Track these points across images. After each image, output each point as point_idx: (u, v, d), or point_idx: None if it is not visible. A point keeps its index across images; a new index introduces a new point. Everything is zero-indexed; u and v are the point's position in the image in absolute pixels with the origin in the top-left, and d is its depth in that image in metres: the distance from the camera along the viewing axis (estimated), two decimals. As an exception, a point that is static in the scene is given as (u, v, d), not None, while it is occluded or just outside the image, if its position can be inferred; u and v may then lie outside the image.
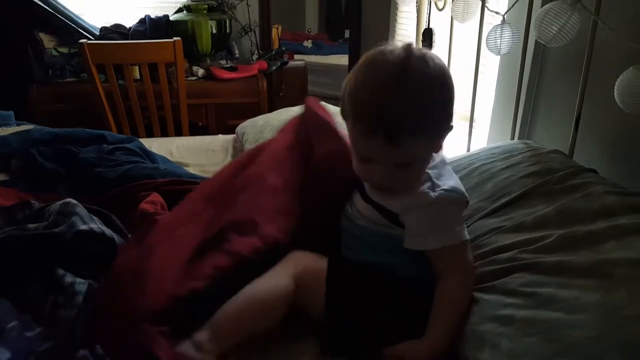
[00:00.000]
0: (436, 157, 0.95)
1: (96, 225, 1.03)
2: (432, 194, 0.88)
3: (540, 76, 1.46)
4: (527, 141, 1.28)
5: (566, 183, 0.99)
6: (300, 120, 1.23)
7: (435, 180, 0.91)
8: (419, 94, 0.81)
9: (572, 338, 0.70)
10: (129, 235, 1.10)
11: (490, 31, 1.41)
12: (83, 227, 1.00)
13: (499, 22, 1.40)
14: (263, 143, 1.26)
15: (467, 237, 0.92)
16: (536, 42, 1.38)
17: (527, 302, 0.79)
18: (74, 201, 1.07)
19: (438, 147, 0.93)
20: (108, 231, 1.05)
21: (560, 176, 1.02)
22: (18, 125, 1.64)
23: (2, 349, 0.73)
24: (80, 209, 1.06)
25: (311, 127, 1.18)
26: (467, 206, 0.97)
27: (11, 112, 1.75)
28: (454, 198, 0.91)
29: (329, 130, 1.13)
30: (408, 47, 0.85)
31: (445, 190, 0.89)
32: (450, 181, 0.92)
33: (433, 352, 0.85)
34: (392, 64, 0.83)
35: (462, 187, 0.93)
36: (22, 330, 0.81)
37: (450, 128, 0.90)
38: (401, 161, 0.85)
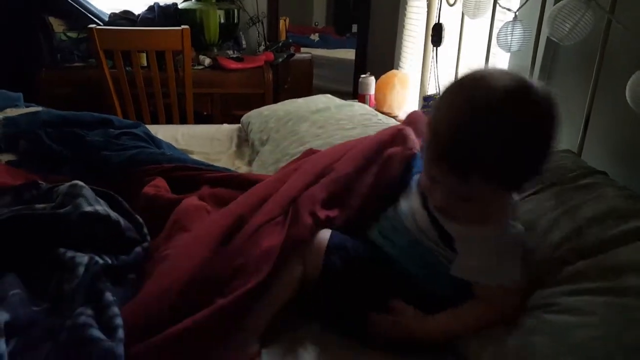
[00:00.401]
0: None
1: (102, 207, 1.03)
2: (510, 230, 0.85)
3: (550, 74, 1.46)
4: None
5: (577, 183, 0.99)
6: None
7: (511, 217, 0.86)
8: (505, 140, 0.71)
9: (577, 338, 0.70)
10: (139, 218, 1.10)
11: (502, 28, 1.40)
12: (88, 208, 0.99)
13: (510, 19, 1.40)
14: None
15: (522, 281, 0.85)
16: (547, 40, 1.37)
17: (532, 310, 0.80)
18: (81, 183, 1.07)
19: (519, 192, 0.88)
20: (113, 214, 1.04)
21: (572, 176, 1.01)
22: (27, 107, 1.65)
23: (2, 311, 0.74)
24: (87, 191, 1.06)
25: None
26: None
27: (20, 94, 1.75)
28: (523, 240, 0.86)
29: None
30: (514, 82, 0.74)
31: (519, 231, 0.86)
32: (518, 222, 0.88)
33: (420, 336, 0.85)
34: (483, 96, 0.72)
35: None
36: (27, 301, 0.81)
37: (540, 174, 0.80)
38: (466, 195, 0.78)
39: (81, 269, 0.81)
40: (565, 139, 1.32)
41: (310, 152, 1.22)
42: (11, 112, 1.55)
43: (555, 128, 0.76)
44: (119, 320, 0.77)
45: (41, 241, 0.96)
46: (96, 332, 0.74)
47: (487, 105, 0.72)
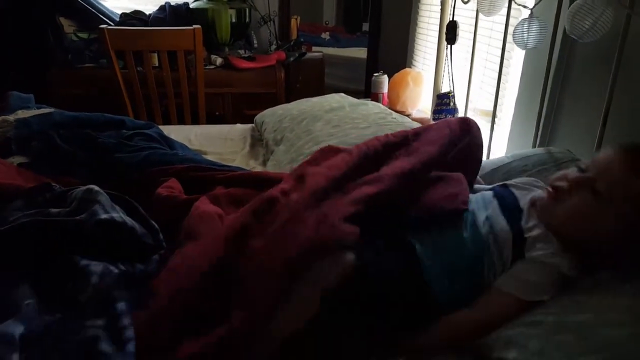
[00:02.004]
0: None
1: (117, 214, 1.02)
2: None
3: (566, 72, 1.43)
4: (555, 150, 1.26)
5: None
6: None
7: None
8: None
9: (605, 336, 0.68)
10: (154, 224, 1.09)
11: (518, 25, 1.38)
12: (104, 216, 0.98)
13: (526, 16, 1.37)
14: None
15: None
16: (564, 36, 1.35)
17: (554, 309, 0.78)
18: (97, 188, 1.06)
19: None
20: (129, 220, 1.03)
21: None
22: (38, 108, 1.64)
23: (17, 323, 0.72)
24: (102, 196, 1.05)
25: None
26: None
27: (31, 95, 1.74)
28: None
29: None
30: None
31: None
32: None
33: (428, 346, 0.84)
34: None
35: None
36: (40, 311, 0.80)
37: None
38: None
39: (95, 279, 0.80)
40: (583, 137, 1.30)
41: (329, 149, 1.16)
42: (23, 113, 1.54)
43: None
44: (129, 333, 0.76)
45: (56, 247, 0.95)
46: (106, 346, 0.72)
47: None
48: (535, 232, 0.88)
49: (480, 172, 1.20)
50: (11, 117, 1.47)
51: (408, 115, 2.24)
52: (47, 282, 0.87)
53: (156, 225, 1.07)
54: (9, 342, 0.69)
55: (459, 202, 0.94)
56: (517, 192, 0.98)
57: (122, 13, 2.76)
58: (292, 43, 2.99)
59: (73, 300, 0.83)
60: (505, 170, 1.24)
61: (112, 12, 2.76)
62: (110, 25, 2.53)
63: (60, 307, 0.83)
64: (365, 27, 3.26)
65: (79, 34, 2.59)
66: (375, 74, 2.52)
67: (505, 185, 1.03)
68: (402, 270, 0.87)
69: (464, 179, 1.01)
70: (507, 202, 0.95)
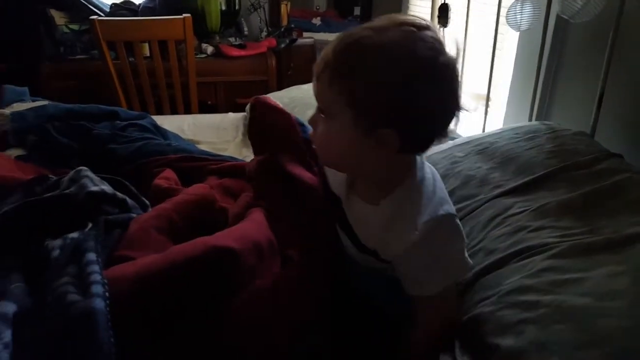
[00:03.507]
0: (423, 173, 0.80)
1: (107, 187, 1.03)
2: (414, 233, 0.74)
3: (560, 53, 1.43)
4: (549, 122, 1.26)
5: (592, 168, 0.98)
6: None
7: (421, 208, 0.76)
8: (364, 50, 0.68)
9: (605, 328, 0.67)
10: (144, 199, 1.10)
11: (511, 6, 1.38)
12: (94, 188, 0.99)
13: (519, -2, 1.37)
14: None
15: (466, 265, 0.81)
16: (557, 17, 1.35)
17: (550, 288, 0.77)
18: (85, 168, 1.08)
19: (361, 121, 0.71)
20: (119, 193, 1.05)
21: (586, 161, 1.00)
22: (33, 101, 1.64)
23: (9, 303, 0.73)
24: (90, 174, 1.07)
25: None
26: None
27: (26, 88, 1.74)
28: (439, 221, 0.76)
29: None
30: (414, 24, 0.70)
31: (432, 218, 0.75)
32: (432, 204, 0.77)
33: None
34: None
35: (448, 202, 0.79)
36: (28, 293, 0.81)
37: (383, 120, 0.69)
38: (319, 105, 0.75)
39: (99, 288, 0.76)
40: (577, 118, 1.30)
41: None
42: (18, 106, 1.54)
43: (418, 73, 0.68)
44: (95, 277, 0.75)
45: (48, 225, 0.95)
46: (72, 296, 0.72)
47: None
48: None
49: (469, 143, 1.19)
50: (7, 111, 1.47)
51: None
52: (31, 266, 0.87)
53: (146, 201, 1.10)
54: (3, 320, 0.70)
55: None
56: None
57: (112, 4, 2.72)
58: (282, 29, 2.96)
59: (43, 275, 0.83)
60: (494, 137, 1.22)
61: (102, 3, 2.73)
62: (101, 16, 2.50)
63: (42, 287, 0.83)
64: (357, 11, 3.24)
65: (70, 26, 2.56)
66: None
67: None
68: None
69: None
70: None
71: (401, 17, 0.71)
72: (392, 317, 0.89)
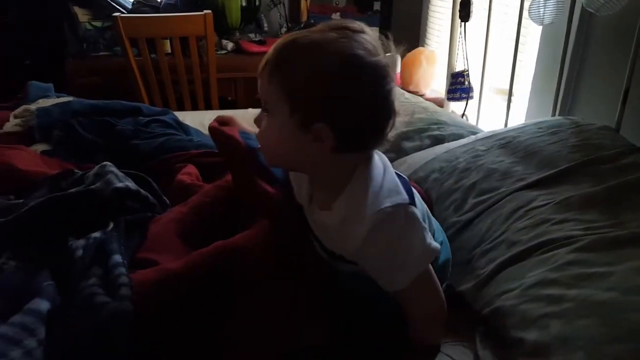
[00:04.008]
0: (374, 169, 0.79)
1: (131, 183, 1.05)
2: (361, 228, 0.73)
3: (584, 47, 1.41)
4: (572, 117, 1.24)
5: (617, 163, 0.96)
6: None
7: (367, 202, 0.74)
8: (299, 46, 0.72)
9: (632, 323, 0.66)
10: (165, 199, 1.12)
11: (534, 0, 1.36)
12: (119, 184, 1.02)
13: (543, -9, 1.35)
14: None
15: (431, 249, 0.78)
16: (582, 10, 1.33)
17: (575, 281, 0.76)
18: (110, 164, 1.10)
19: (298, 117, 0.72)
20: (143, 190, 1.07)
21: (611, 155, 0.98)
22: (58, 97, 1.66)
23: (43, 301, 0.76)
24: (115, 170, 1.09)
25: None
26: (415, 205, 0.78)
27: (50, 85, 1.77)
28: (385, 213, 0.74)
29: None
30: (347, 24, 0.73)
31: (378, 211, 0.73)
32: (378, 198, 0.75)
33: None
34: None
35: (397, 193, 0.77)
36: (58, 291, 0.83)
37: (315, 116, 0.71)
38: (261, 101, 0.76)
39: (126, 290, 0.79)
40: (602, 113, 1.28)
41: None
42: (43, 102, 1.56)
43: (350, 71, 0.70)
44: (123, 279, 0.78)
45: (74, 220, 0.98)
46: (101, 298, 0.75)
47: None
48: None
49: (491, 138, 1.18)
50: (32, 107, 1.49)
51: (421, 95, 2.23)
52: (58, 265, 0.89)
53: (167, 200, 1.12)
54: (38, 317, 0.73)
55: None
56: None
57: (135, 1, 2.75)
58: (302, 25, 2.96)
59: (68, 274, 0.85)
60: (517, 132, 1.21)
61: (124, 0, 2.76)
62: (123, 13, 2.53)
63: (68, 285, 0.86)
64: (377, 6, 3.22)
65: (93, 23, 2.60)
66: (387, 54, 2.50)
67: None
68: None
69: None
70: None
71: (339, 21, 0.75)
72: (387, 316, 0.88)
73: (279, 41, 0.75)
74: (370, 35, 0.73)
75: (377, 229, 0.73)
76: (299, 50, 0.72)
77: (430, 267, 0.79)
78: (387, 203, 0.74)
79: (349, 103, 0.70)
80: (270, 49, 0.75)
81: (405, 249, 0.75)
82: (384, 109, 0.73)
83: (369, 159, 0.78)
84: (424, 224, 0.78)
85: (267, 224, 0.94)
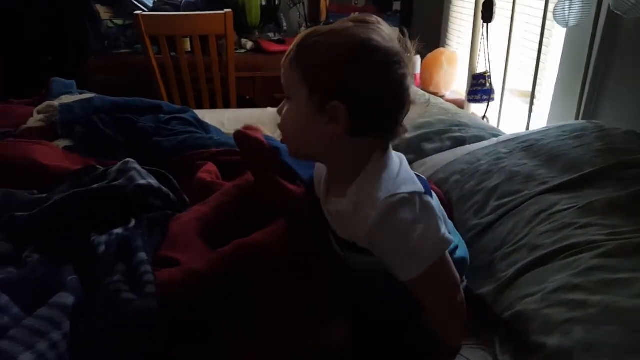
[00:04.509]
0: (390, 164, 0.80)
1: (154, 180, 1.07)
2: (373, 212, 0.74)
3: (610, 50, 1.39)
4: (597, 121, 1.22)
5: None
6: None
7: (381, 186, 0.75)
8: (318, 34, 0.75)
9: None
10: (185, 197, 1.13)
11: (559, 2, 1.34)
12: (142, 181, 1.03)
13: (568, -8, 1.33)
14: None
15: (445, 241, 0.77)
16: (608, 13, 1.31)
17: (599, 287, 0.75)
18: (132, 160, 1.11)
19: (317, 105, 0.75)
20: (164, 188, 1.08)
21: (636, 160, 0.97)
22: (80, 93, 1.69)
23: (68, 294, 0.77)
24: (138, 167, 1.10)
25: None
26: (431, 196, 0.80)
27: (73, 81, 1.79)
28: (400, 198, 0.74)
29: None
30: (368, 18, 0.77)
31: (391, 195, 0.74)
32: (393, 184, 0.76)
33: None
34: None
35: (413, 182, 0.78)
36: (81, 285, 0.84)
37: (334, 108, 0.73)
38: (284, 90, 0.80)
39: (151, 288, 0.80)
40: (627, 118, 1.26)
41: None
42: (66, 98, 1.59)
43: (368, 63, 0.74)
44: (148, 277, 0.80)
45: (97, 215, 0.99)
46: (126, 295, 0.76)
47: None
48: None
49: (514, 140, 1.17)
50: (55, 103, 1.52)
51: (442, 97, 2.21)
52: (81, 260, 0.91)
53: (187, 199, 1.13)
54: (64, 310, 0.74)
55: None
56: None
57: (155, -1, 2.78)
58: (321, 24, 2.96)
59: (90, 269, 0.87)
60: (540, 135, 1.19)
61: (145, -2, 2.79)
62: (145, 11, 2.56)
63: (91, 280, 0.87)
64: (397, 5, 3.21)
65: (115, 21, 2.63)
66: (407, 55, 2.48)
67: None
68: None
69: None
70: None
71: (358, 15, 0.79)
72: (403, 317, 0.88)
73: (302, 33, 0.79)
74: (386, 27, 0.77)
75: (390, 212, 0.74)
76: (317, 36, 0.76)
77: (448, 257, 0.79)
78: (403, 189, 0.75)
79: (362, 83, 0.73)
80: (294, 42, 0.78)
81: (419, 236, 0.74)
82: (398, 93, 0.76)
83: (385, 150, 0.80)
84: (439, 214, 0.78)
85: (285, 221, 0.95)
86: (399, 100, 0.76)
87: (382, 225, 0.74)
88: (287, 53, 0.79)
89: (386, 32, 0.75)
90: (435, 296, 0.80)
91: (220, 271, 0.85)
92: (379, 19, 0.78)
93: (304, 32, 0.79)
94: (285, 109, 0.81)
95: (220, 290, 0.84)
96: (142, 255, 0.84)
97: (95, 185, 1.05)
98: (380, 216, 0.73)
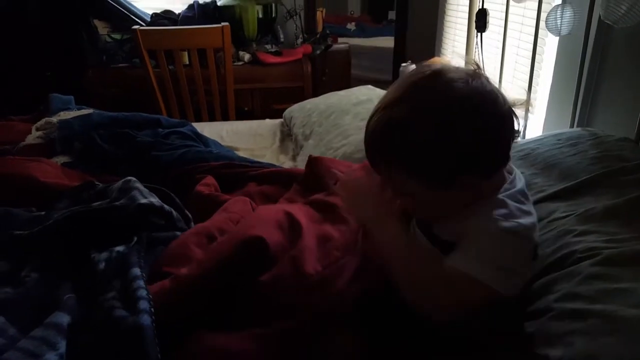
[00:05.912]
0: (516, 183, 0.85)
1: (155, 199, 1.07)
2: (505, 223, 0.76)
3: (603, 59, 1.40)
4: (591, 129, 1.23)
5: (638, 174, 0.94)
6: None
7: (513, 209, 0.79)
8: (398, 122, 0.76)
9: None
10: (188, 213, 1.13)
11: (551, 11, 1.36)
12: (143, 200, 1.03)
13: (559, 2, 1.35)
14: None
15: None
16: (599, 22, 1.32)
17: (599, 296, 0.75)
18: (134, 179, 1.11)
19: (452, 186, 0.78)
20: (166, 205, 1.08)
21: (632, 166, 0.97)
22: (78, 109, 1.70)
23: (64, 314, 0.77)
24: (140, 185, 1.10)
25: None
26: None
27: (71, 97, 1.81)
28: (526, 234, 0.78)
29: None
30: (437, 69, 0.79)
31: (521, 224, 0.77)
32: (528, 217, 0.80)
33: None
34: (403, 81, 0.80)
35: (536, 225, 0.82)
36: (79, 303, 0.84)
37: (467, 170, 0.76)
38: (397, 191, 0.82)
39: (145, 304, 0.80)
40: (620, 125, 1.27)
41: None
42: (65, 114, 1.60)
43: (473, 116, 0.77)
44: (141, 292, 0.79)
45: (97, 235, 0.99)
46: (120, 312, 0.76)
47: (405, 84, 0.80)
48: None
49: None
50: (54, 119, 1.53)
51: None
52: (80, 278, 0.91)
53: (189, 214, 1.13)
54: (59, 330, 0.74)
55: None
56: None
57: (153, 13, 2.81)
58: (318, 36, 2.99)
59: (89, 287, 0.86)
60: (536, 144, 1.20)
61: (143, 13, 2.82)
62: (142, 25, 2.58)
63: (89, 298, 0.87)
64: (392, 15, 3.23)
65: (112, 35, 2.66)
66: (403, 64, 2.51)
67: None
68: None
69: None
70: None
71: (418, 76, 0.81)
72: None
73: (370, 129, 0.80)
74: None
75: (504, 238, 0.76)
76: (399, 132, 0.76)
77: (500, 296, 0.78)
78: (513, 223, 0.77)
79: (480, 149, 0.76)
80: (368, 138, 0.81)
81: (504, 260, 0.76)
82: (513, 131, 0.81)
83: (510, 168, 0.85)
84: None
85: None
86: (513, 132, 0.81)
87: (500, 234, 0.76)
88: (369, 153, 0.81)
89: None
90: (456, 295, 0.78)
91: (215, 271, 0.85)
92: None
93: (373, 127, 0.79)
94: (410, 204, 0.83)
95: (217, 286, 0.85)
96: (136, 270, 0.84)
97: (96, 204, 1.05)
98: (500, 234, 0.76)
